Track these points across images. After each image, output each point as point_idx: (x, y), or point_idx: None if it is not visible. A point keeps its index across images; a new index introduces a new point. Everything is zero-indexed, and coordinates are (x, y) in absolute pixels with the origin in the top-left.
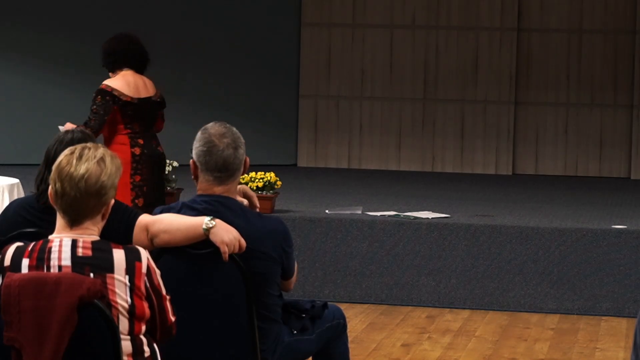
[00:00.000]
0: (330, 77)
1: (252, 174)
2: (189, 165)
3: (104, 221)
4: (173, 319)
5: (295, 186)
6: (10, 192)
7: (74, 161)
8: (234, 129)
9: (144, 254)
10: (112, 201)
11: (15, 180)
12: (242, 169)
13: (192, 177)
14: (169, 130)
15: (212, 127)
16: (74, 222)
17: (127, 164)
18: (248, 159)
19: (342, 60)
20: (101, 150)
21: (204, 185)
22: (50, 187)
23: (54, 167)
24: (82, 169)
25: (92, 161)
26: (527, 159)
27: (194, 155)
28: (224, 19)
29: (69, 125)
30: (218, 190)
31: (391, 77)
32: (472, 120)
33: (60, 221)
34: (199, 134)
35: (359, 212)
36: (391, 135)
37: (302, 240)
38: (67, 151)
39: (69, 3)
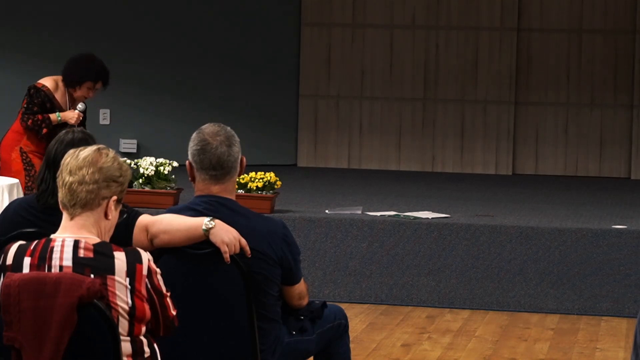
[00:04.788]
0: (330, 77)
1: (252, 174)
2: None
3: (109, 222)
4: (174, 312)
5: (295, 186)
6: (10, 192)
7: (77, 153)
8: (228, 128)
9: (145, 256)
10: (114, 199)
11: (15, 180)
12: (238, 168)
13: (189, 178)
14: (169, 130)
15: (206, 127)
16: (73, 214)
17: None
18: (244, 159)
19: (342, 60)
20: (104, 147)
21: (200, 185)
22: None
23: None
24: (82, 155)
25: (92, 149)
26: (527, 159)
27: (189, 155)
28: (224, 18)
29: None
30: (215, 189)
31: (391, 77)
32: (472, 120)
33: (63, 218)
34: (193, 135)
35: (359, 212)
36: (391, 135)
37: (302, 240)
38: (70, 151)
39: (68, 3)
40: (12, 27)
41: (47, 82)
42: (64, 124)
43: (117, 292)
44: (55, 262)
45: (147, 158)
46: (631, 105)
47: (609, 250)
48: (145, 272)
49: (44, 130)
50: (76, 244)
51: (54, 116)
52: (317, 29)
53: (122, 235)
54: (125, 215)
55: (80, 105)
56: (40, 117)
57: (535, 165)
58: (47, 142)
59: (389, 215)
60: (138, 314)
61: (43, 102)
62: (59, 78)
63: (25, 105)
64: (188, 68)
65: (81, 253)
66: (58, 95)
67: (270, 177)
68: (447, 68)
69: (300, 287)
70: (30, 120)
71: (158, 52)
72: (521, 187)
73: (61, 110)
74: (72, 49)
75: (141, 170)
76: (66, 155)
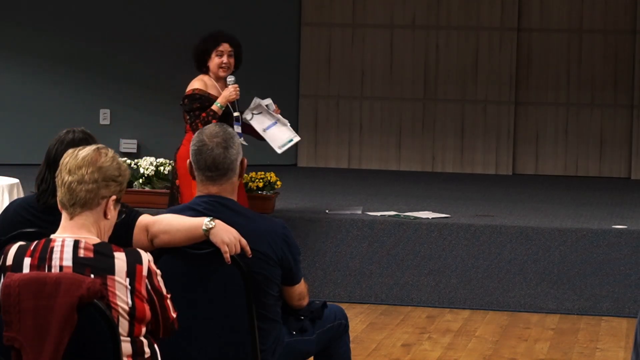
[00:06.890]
0: (330, 77)
1: (252, 174)
2: None
3: (108, 221)
4: (174, 315)
5: (295, 186)
6: (10, 192)
7: (76, 152)
8: (230, 129)
9: (145, 257)
10: (113, 198)
11: (15, 180)
12: (237, 169)
13: (190, 177)
14: (169, 130)
15: (208, 127)
16: (72, 213)
17: None
18: (245, 160)
19: (342, 60)
20: (104, 146)
21: (199, 185)
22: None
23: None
24: (81, 155)
25: (91, 149)
26: (527, 159)
27: (190, 155)
28: (224, 18)
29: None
30: (214, 190)
31: (391, 77)
32: (472, 120)
33: (62, 218)
34: (195, 134)
35: (359, 212)
36: (391, 135)
37: (302, 240)
38: (69, 150)
39: (69, 2)
40: (11, 27)
41: (194, 84)
42: (228, 108)
43: (117, 292)
44: (55, 262)
45: (147, 158)
46: (631, 105)
47: (609, 250)
48: (145, 272)
49: (214, 122)
50: (76, 244)
51: (214, 107)
52: (317, 29)
53: (122, 236)
54: (124, 215)
55: (229, 79)
56: (204, 114)
57: (535, 165)
58: None
59: (389, 215)
60: (138, 315)
61: (202, 104)
62: (201, 75)
63: (188, 117)
64: (188, 68)
65: (81, 253)
66: (211, 90)
67: (270, 177)
68: (447, 68)
69: (301, 287)
70: (199, 123)
71: (158, 52)
72: (521, 187)
73: None
74: (71, 49)
75: (141, 170)
76: (65, 155)
